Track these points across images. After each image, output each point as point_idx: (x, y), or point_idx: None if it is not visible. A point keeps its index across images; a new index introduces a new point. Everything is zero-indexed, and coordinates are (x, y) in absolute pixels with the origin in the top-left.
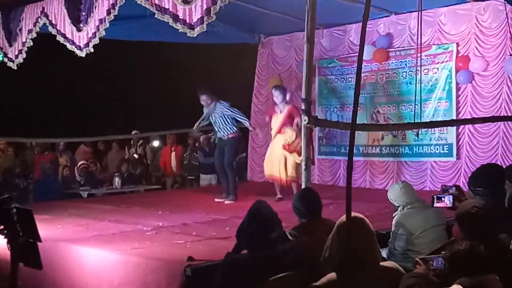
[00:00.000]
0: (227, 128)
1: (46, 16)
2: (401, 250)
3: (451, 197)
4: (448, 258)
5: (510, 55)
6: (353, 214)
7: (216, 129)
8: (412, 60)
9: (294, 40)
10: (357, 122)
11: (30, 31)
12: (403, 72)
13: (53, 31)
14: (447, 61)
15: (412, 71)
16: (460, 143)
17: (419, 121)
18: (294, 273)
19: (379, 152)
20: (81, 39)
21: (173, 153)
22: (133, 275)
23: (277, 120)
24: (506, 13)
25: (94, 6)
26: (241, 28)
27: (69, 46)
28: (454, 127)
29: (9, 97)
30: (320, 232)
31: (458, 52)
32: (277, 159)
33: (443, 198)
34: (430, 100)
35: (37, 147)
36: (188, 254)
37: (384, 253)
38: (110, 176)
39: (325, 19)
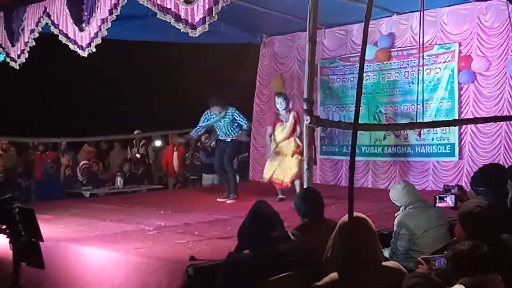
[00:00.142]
0: (232, 133)
1: (48, 16)
2: (403, 250)
3: (453, 197)
4: (451, 258)
5: None
6: (355, 214)
7: (221, 133)
8: (414, 60)
9: (296, 40)
10: (359, 122)
11: (32, 31)
12: (405, 72)
13: (55, 31)
14: (449, 61)
15: (414, 71)
16: (462, 143)
17: (421, 121)
18: (296, 272)
19: (381, 152)
20: (83, 39)
21: (175, 153)
22: (135, 275)
23: (282, 128)
24: (508, 13)
25: (96, 6)
26: (243, 28)
27: (71, 46)
28: (456, 127)
29: (11, 96)
30: (322, 232)
31: (460, 52)
32: (288, 167)
33: (445, 198)
34: (432, 100)
35: (39, 146)
36: (190, 253)
37: (386, 253)
38: (112, 175)
39: (327, 19)
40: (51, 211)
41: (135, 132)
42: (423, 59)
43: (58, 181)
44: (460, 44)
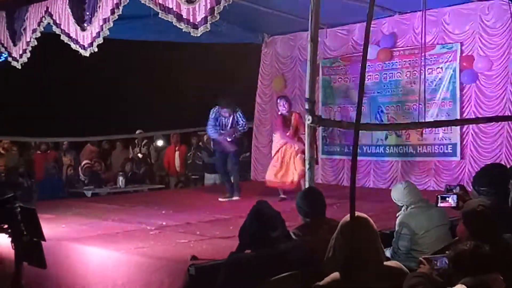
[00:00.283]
0: (229, 136)
1: (50, 15)
2: (404, 249)
3: (455, 196)
4: (452, 258)
5: None
6: (357, 213)
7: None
8: (416, 60)
9: (298, 39)
10: (361, 122)
11: (34, 31)
12: (407, 71)
13: (57, 31)
14: (451, 60)
15: (416, 71)
16: (464, 142)
17: (423, 120)
18: (298, 272)
19: (383, 151)
20: (85, 39)
21: (177, 153)
22: (137, 274)
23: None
24: (511, 13)
25: (98, 5)
26: (245, 28)
27: (73, 46)
28: (458, 127)
29: (11, 96)
30: (323, 231)
31: (462, 51)
32: (293, 168)
33: (447, 198)
34: (434, 100)
35: (41, 146)
36: (191, 253)
37: (387, 252)
38: (114, 175)
39: (329, 19)
40: (53, 211)
41: (137, 131)
42: (425, 59)
43: (60, 181)
44: (462, 44)
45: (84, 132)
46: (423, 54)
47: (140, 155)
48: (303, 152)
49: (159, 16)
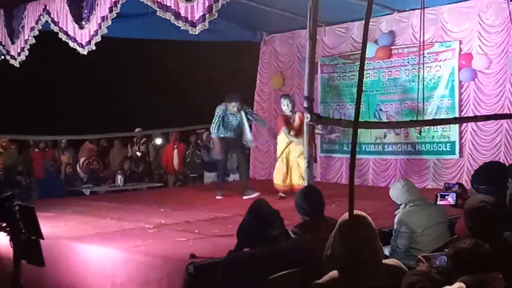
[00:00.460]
0: (239, 132)
1: (48, 13)
2: (403, 248)
3: (454, 195)
4: (451, 256)
5: None
6: (356, 212)
7: (227, 131)
8: (415, 58)
9: (296, 37)
10: (359, 120)
11: (32, 29)
12: (406, 69)
13: (55, 29)
14: (449, 58)
15: (414, 69)
16: (462, 141)
17: (422, 118)
18: (296, 270)
19: (381, 150)
20: (83, 37)
21: (175, 151)
22: (136, 273)
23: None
24: (509, 11)
25: (96, 3)
26: (243, 26)
27: (71, 44)
28: (457, 125)
29: (10, 96)
30: (322, 230)
31: (460, 49)
32: (299, 168)
33: (446, 196)
34: (433, 98)
35: (40, 144)
36: (190, 251)
37: (386, 251)
38: (113, 173)
39: (327, 17)
40: (52, 209)
41: (136, 130)
42: (424, 57)
43: (59, 179)
44: (460, 42)
45: (83, 131)
46: (421, 52)
47: (138, 153)
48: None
49: (157, 14)
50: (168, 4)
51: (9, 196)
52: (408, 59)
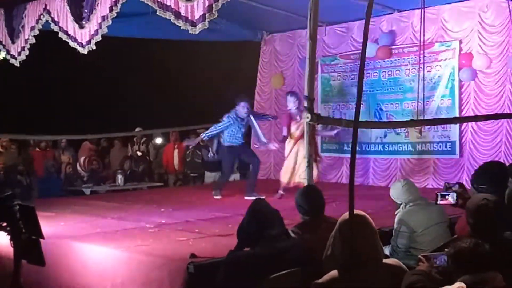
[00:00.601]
0: (243, 137)
1: (49, 13)
2: (403, 247)
3: (455, 194)
4: (452, 256)
5: None
6: (356, 211)
7: (232, 138)
8: (415, 58)
9: (296, 37)
10: (359, 120)
11: (32, 28)
12: (406, 69)
13: (56, 28)
14: (450, 58)
15: (415, 69)
16: (463, 140)
17: (422, 118)
18: (297, 270)
19: (381, 149)
20: (83, 36)
21: (175, 151)
22: (136, 272)
23: (297, 126)
24: (509, 10)
25: (96, 3)
26: (244, 25)
27: (71, 43)
28: (457, 125)
29: (11, 96)
30: (322, 229)
31: (461, 49)
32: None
33: (447, 196)
34: (433, 98)
35: (41, 144)
36: (190, 251)
37: (386, 250)
38: (113, 173)
39: (328, 16)
40: (52, 209)
41: (136, 129)
42: (424, 56)
43: (59, 179)
44: (461, 42)
45: (83, 131)
46: (422, 51)
47: (139, 153)
48: (316, 154)
49: (157, 13)
50: (168, 4)
51: (9, 196)
52: (409, 58)
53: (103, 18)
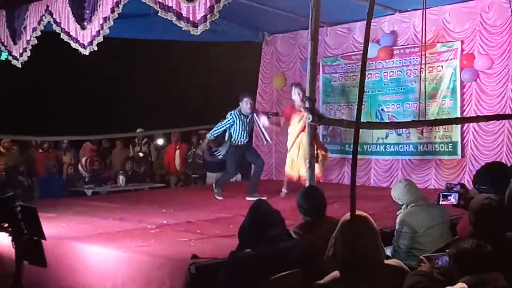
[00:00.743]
0: (248, 135)
1: (51, 14)
2: (405, 248)
3: (457, 195)
4: (454, 256)
5: None
6: (357, 212)
7: (238, 137)
8: (417, 58)
9: (298, 38)
10: (361, 120)
11: (34, 29)
12: (408, 70)
13: (57, 29)
14: (451, 59)
15: (416, 69)
16: (464, 141)
17: (424, 119)
18: (298, 271)
19: (383, 150)
20: (85, 37)
21: (177, 151)
22: (137, 273)
23: (299, 118)
24: (511, 11)
25: (98, 4)
26: (245, 26)
27: (73, 44)
28: (459, 125)
29: (11, 96)
30: (324, 230)
31: (462, 50)
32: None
33: (449, 196)
34: (435, 98)
35: (43, 145)
36: (192, 252)
37: (388, 251)
38: (115, 174)
39: (329, 17)
40: (54, 210)
41: (138, 130)
42: (426, 57)
43: (60, 180)
44: (462, 42)
45: (84, 131)
46: (423, 52)
47: (140, 154)
48: (319, 147)
49: (159, 14)
50: (170, 5)
51: (11, 197)
52: (410, 59)
53: (105, 19)
